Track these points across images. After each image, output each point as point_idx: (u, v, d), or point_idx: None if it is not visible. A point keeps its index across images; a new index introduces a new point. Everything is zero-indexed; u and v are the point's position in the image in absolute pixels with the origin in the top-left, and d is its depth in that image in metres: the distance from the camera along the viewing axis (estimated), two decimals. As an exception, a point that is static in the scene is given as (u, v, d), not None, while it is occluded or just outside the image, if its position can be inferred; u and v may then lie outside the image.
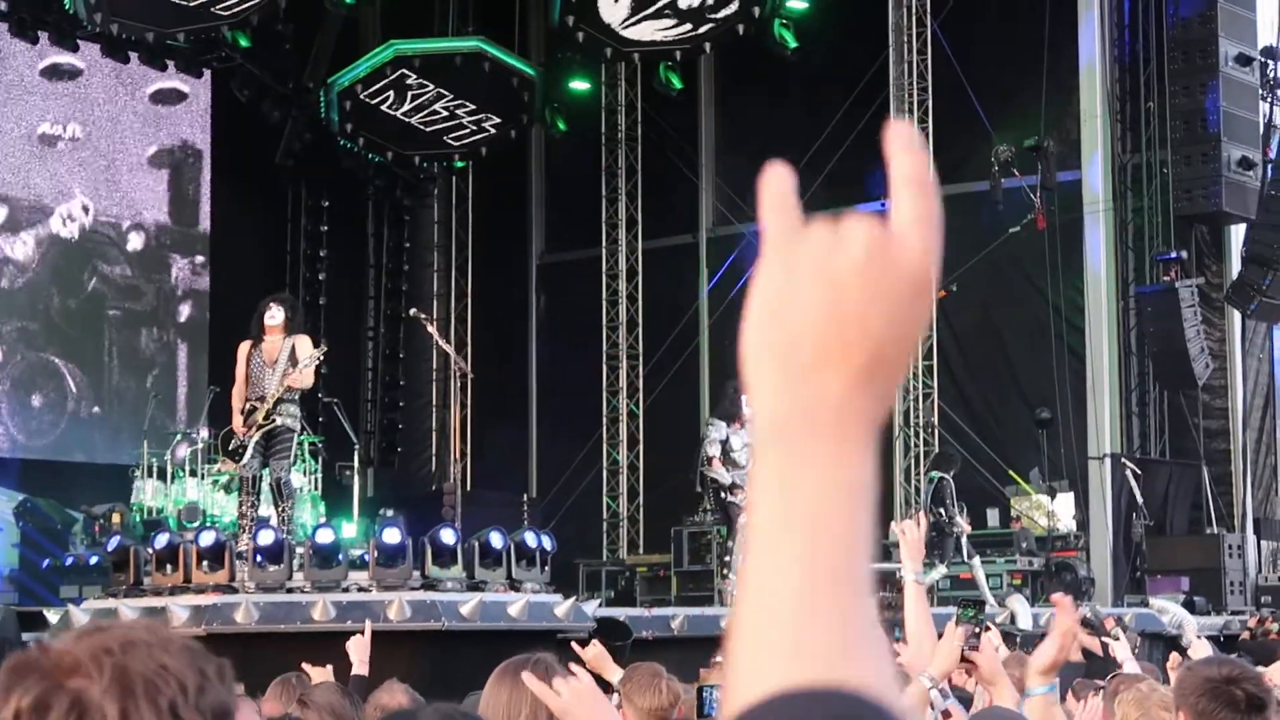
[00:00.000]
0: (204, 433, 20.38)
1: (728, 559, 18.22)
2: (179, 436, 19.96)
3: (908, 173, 1.35)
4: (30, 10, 22.59)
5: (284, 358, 14.66)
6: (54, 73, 24.65)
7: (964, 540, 19.16)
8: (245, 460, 14.76)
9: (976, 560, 19.25)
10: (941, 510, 19.05)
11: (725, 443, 18.00)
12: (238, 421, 14.79)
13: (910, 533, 6.10)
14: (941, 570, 19.12)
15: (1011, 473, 21.71)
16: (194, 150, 26.09)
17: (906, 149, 1.36)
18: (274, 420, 14.72)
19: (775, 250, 1.34)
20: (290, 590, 14.09)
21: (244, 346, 14.92)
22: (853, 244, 1.32)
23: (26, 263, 24.26)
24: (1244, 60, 22.02)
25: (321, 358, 15.17)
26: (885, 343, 1.31)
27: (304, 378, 14.79)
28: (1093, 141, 22.63)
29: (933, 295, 1.34)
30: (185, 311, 25.81)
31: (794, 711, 1.26)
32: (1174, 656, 9.70)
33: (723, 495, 17.97)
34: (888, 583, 16.83)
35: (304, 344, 14.80)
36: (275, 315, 14.83)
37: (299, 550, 14.44)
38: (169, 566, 14.35)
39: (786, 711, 1.26)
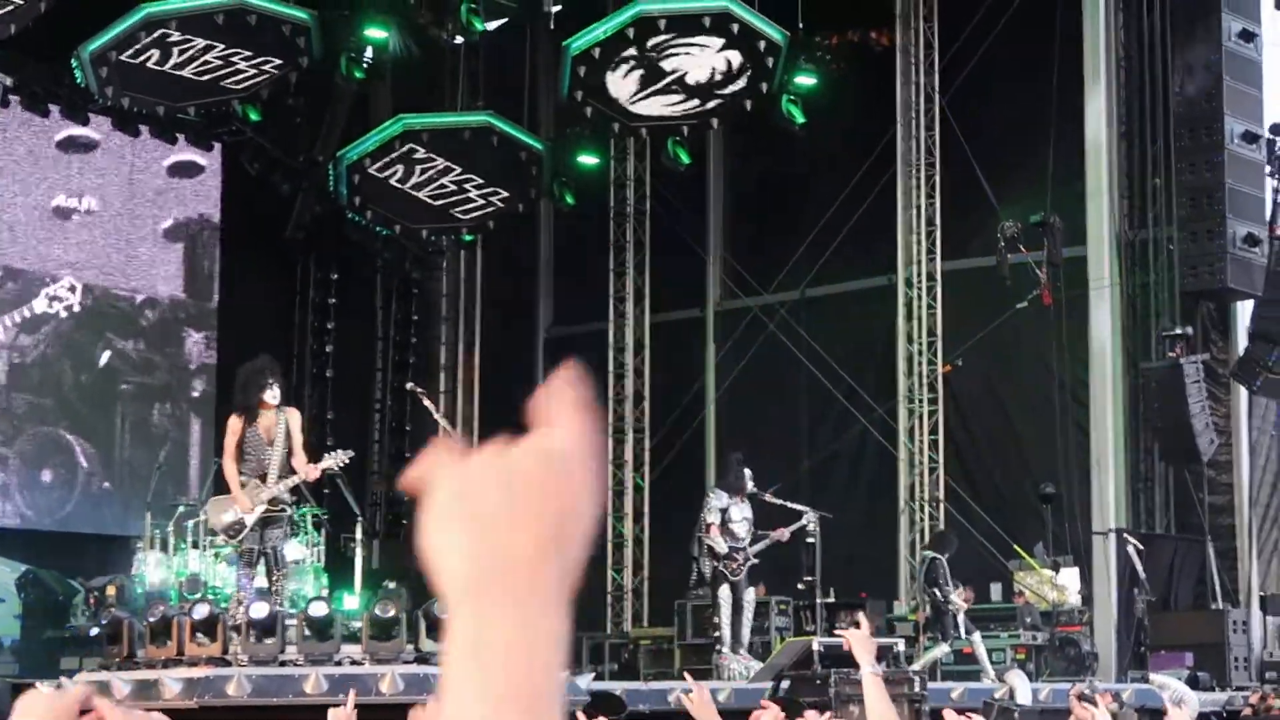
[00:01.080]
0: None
1: (717, 634, 18.20)
2: (182, 509, 19.99)
3: (567, 404, 1.46)
4: (42, 84, 22.79)
5: (281, 435, 14.63)
6: (70, 145, 24.83)
7: (961, 616, 19.13)
8: (244, 535, 14.73)
9: (977, 635, 19.22)
10: (935, 590, 19.06)
11: (725, 512, 18.08)
12: (242, 497, 14.69)
13: (857, 632, 6.34)
14: (945, 648, 19.10)
15: (1016, 547, 21.67)
16: (210, 223, 26.24)
17: (564, 392, 1.47)
18: (281, 509, 14.73)
19: (444, 471, 1.43)
20: (283, 663, 14.09)
21: (235, 421, 14.78)
22: (523, 454, 1.41)
23: (39, 338, 24.37)
24: (1250, 137, 22.08)
25: (346, 463, 15.15)
26: (564, 510, 1.40)
27: (315, 473, 14.88)
28: (1099, 217, 22.67)
29: (589, 471, 1.43)
30: (199, 386, 25.90)
31: None
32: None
33: (716, 564, 18.03)
34: (883, 657, 16.84)
35: (295, 418, 14.82)
36: (275, 393, 14.79)
37: (292, 623, 14.45)
38: (162, 639, 14.36)
39: None
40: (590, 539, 1.42)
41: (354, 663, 14.15)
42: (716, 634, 18.23)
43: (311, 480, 14.96)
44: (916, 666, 17.93)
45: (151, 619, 14.48)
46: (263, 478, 14.62)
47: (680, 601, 20.51)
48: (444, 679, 1.39)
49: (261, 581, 15.07)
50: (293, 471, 14.63)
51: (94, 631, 18.14)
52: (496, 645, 1.37)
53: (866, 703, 6.19)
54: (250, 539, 14.68)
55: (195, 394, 25.87)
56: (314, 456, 15.08)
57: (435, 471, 1.43)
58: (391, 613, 14.32)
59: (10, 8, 20.44)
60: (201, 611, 14.36)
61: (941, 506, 23.20)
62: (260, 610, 14.20)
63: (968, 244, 23.47)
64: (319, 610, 14.40)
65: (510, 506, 1.40)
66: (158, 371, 25.57)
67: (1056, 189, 22.71)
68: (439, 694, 1.40)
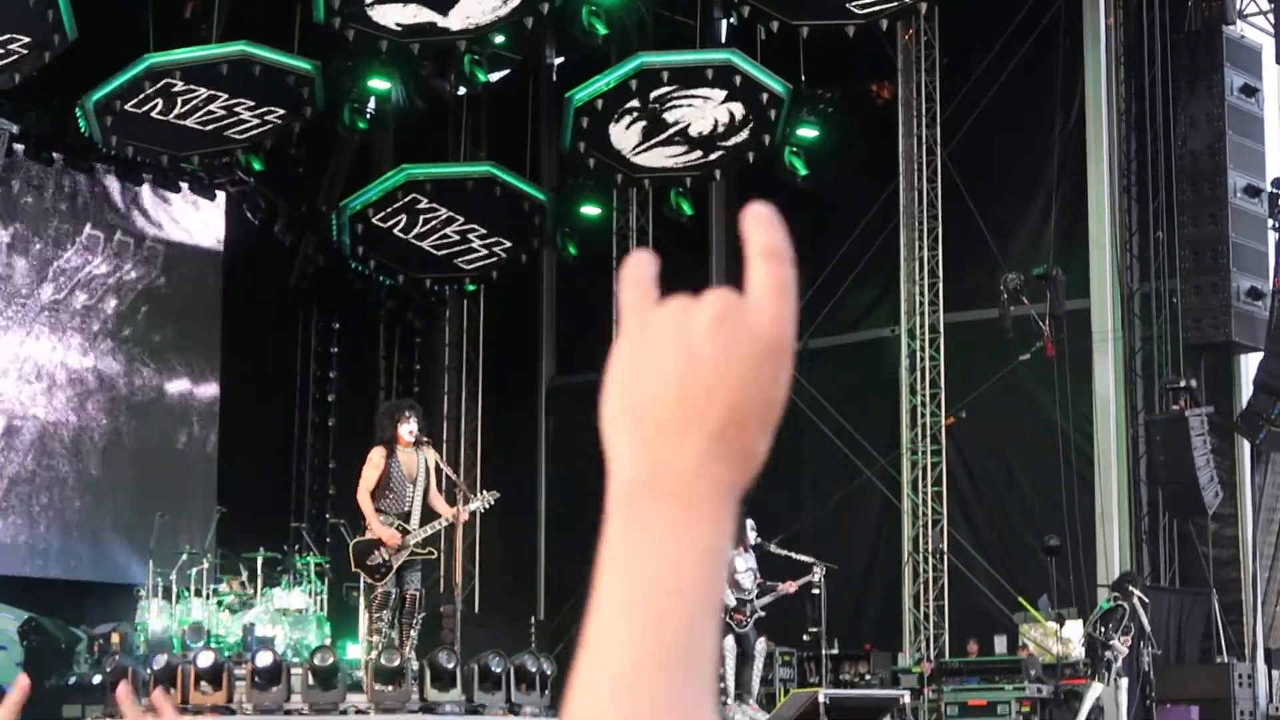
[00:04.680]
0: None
1: (723, 685, 18.11)
2: (185, 557, 19.92)
3: (764, 245, 1.36)
4: (45, 133, 22.82)
5: (422, 472, 14.55)
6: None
7: (1117, 664, 19.04)
8: (387, 578, 14.55)
9: (1123, 684, 19.15)
10: (1104, 629, 18.98)
11: (730, 564, 17.99)
12: (383, 530, 14.47)
13: None
14: (1099, 687, 19.00)
15: (1020, 599, 21.61)
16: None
17: (764, 224, 1.36)
18: (430, 551, 14.63)
19: (632, 323, 1.35)
20: (288, 712, 14.06)
21: (378, 453, 14.67)
22: (704, 311, 1.32)
23: (40, 388, 24.37)
24: (1252, 191, 22.11)
25: (491, 504, 15.04)
26: (741, 406, 1.30)
27: (464, 516, 14.82)
28: (1101, 270, 22.70)
29: (790, 359, 1.32)
30: (201, 433, 25.84)
31: None
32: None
33: (723, 616, 17.92)
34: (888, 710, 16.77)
35: (434, 457, 14.76)
36: (412, 427, 14.69)
37: (297, 672, 14.40)
38: (166, 687, 14.29)
39: None
40: (774, 429, 1.31)
41: (359, 712, 14.10)
42: (722, 685, 18.14)
43: (460, 522, 14.90)
44: (1082, 716, 18.08)
45: (156, 667, 14.43)
46: (404, 516, 14.50)
47: (684, 653, 20.41)
48: (593, 593, 1.29)
49: (263, 630, 14.97)
50: (432, 511, 14.53)
51: (97, 679, 18.06)
52: (651, 561, 1.27)
53: None
54: (389, 581, 14.52)
55: (196, 440, 25.80)
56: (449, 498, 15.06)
57: (628, 317, 1.35)
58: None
59: (15, 57, 20.51)
60: (206, 659, 14.33)
61: (945, 558, 23.15)
62: (265, 659, 14.16)
63: (970, 296, 23.47)
64: (324, 659, 14.35)
65: (682, 396, 1.30)
66: (160, 418, 25.52)
67: (1059, 241, 22.74)
68: (588, 608, 1.30)
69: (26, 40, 20.55)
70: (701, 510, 1.28)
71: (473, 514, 15.63)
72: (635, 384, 1.32)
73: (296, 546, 21.44)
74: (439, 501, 14.70)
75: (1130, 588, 19.43)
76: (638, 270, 1.38)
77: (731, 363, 1.30)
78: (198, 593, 19.60)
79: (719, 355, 1.30)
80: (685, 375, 1.30)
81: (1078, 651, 20.81)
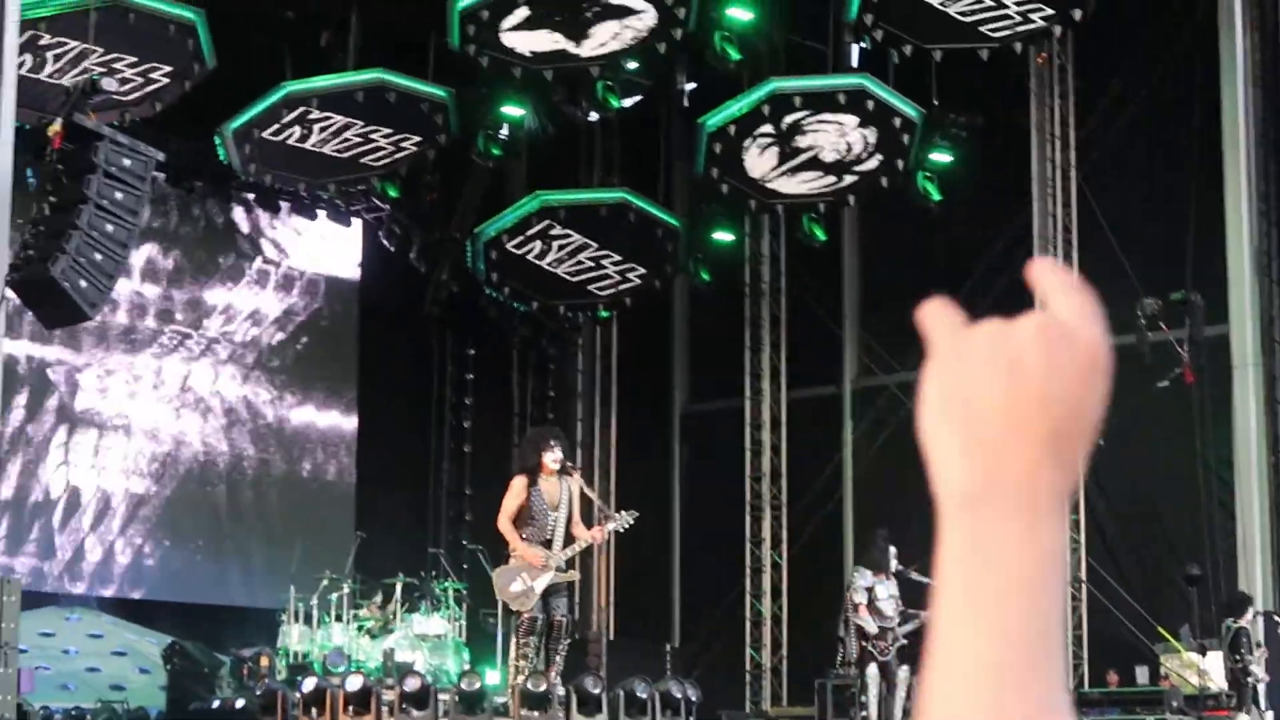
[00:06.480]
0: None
1: (864, 714, 17.99)
2: (326, 582, 20.06)
3: (1063, 282, 1.40)
4: (186, 161, 23.08)
5: (565, 500, 14.63)
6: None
7: (1263, 687, 18.85)
8: (533, 604, 14.61)
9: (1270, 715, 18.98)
10: (1237, 658, 18.78)
11: (871, 590, 17.91)
12: (529, 553, 14.52)
13: None
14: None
15: (1161, 630, 21.33)
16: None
17: (1054, 269, 1.41)
18: (570, 574, 14.72)
19: (945, 345, 1.37)
20: (436, 736, 14.09)
21: (520, 481, 14.75)
22: (1027, 328, 1.35)
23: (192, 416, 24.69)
24: (1396, 215, 21.78)
25: (630, 524, 15.11)
26: (1068, 417, 1.33)
27: (602, 536, 14.92)
28: (1240, 296, 22.41)
29: (1108, 379, 1.35)
30: (340, 458, 26.04)
31: None
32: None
33: (865, 644, 17.83)
34: None
35: (577, 484, 14.83)
36: (557, 455, 14.78)
37: (444, 696, 14.44)
38: (315, 710, 14.38)
39: None
40: (1092, 436, 1.35)
41: (507, 735, 14.13)
42: (864, 714, 18.03)
43: (599, 543, 14.98)
44: None
45: (305, 690, 14.51)
46: (547, 543, 14.57)
47: (820, 681, 20.34)
48: (935, 603, 1.33)
49: (403, 655, 15.01)
50: (572, 538, 14.61)
51: (240, 703, 18.21)
52: (991, 565, 1.30)
53: None
54: (536, 607, 14.57)
55: (336, 467, 25.99)
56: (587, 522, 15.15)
57: (934, 348, 1.37)
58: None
59: (156, 86, 20.80)
60: (355, 683, 14.40)
61: (1084, 587, 22.91)
62: (413, 683, 14.22)
63: (1107, 321, 23.16)
64: (471, 684, 14.39)
65: (1011, 405, 1.33)
66: (300, 445, 25.74)
67: (1197, 266, 22.47)
68: (930, 622, 1.33)
69: (168, 69, 20.84)
70: (1039, 514, 1.32)
71: (611, 534, 15.65)
72: (959, 395, 1.35)
73: (434, 572, 21.55)
74: (580, 528, 14.73)
75: (1247, 608, 19.20)
76: (939, 306, 1.41)
77: (1059, 374, 1.33)
78: (338, 618, 19.75)
79: (1047, 367, 1.33)
80: (1014, 385, 1.33)
81: (1219, 682, 20.52)
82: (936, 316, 1.39)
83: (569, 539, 14.64)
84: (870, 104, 22.34)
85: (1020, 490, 1.32)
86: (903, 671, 18.04)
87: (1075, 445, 1.34)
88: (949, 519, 1.34)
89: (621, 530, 15.39)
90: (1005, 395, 1.33)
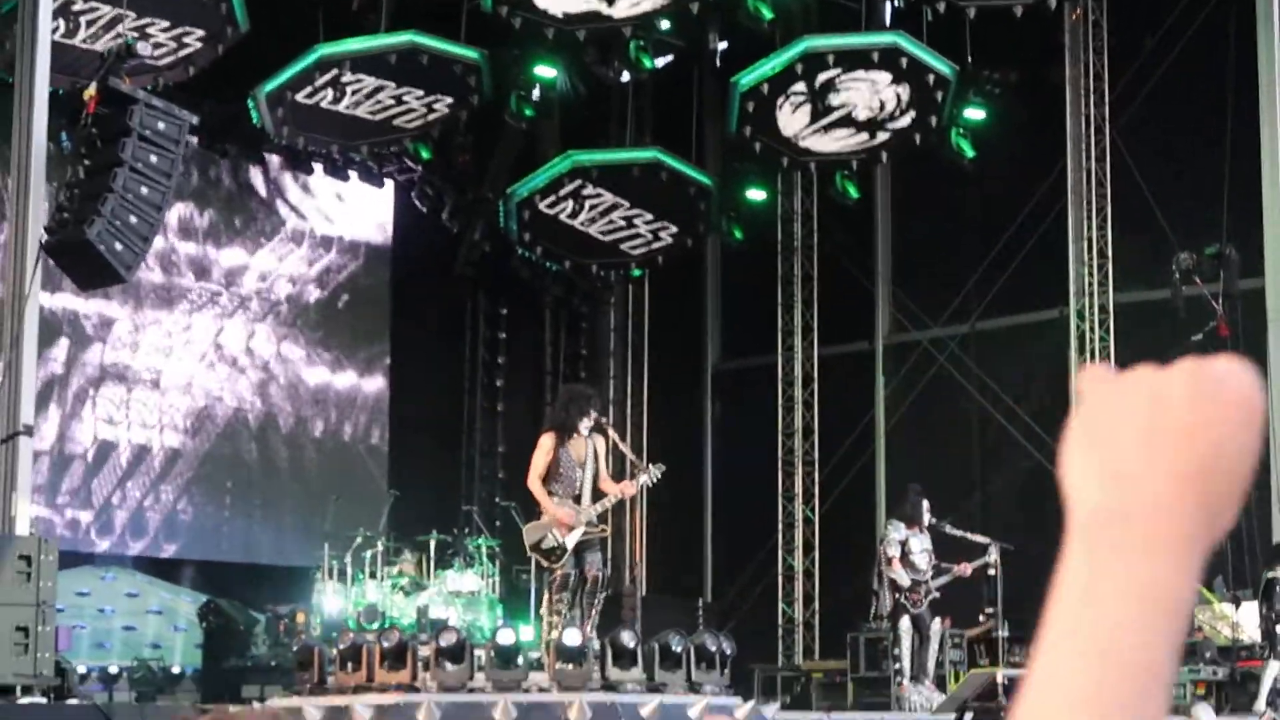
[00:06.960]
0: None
1: (898, 666, 18.06)
2: (360, 540, 20.18)
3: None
4: (219, 124, 23.17)
5: (590, 457, 14.70)
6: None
7: None
8: (564, 559, 14.69)
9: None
10: (1271, 609, 18.78)
11: (904, 544, 17.97)
12: (559, 510, 14.56)
13: None
14: (1276, 665, 18.77)
15: (1195, 582, 21.32)
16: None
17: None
18: (602, 528, 14.80)
19: (1095, 390, 1.36)
20: (471, 690, 14.17)
21: (549, 439, 14.77)
22: (1178, 367, 1.33)
23: (227, 373, 24.80)
24: None
25: (659, 478, 15.18)
26: (1210, 457, 1.30)
27: (632, 489, 15.00)
28: (1276, 249, 22.31)
29: (1258, 438, 1.31)
30: (372, 417, 26.17)
31: None
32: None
33: (898, 597, 17.90)
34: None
35: (602, 442, 14.89)
36: (591, 422, 14.85)
37: (479, 651, 14.53)
38: (351, 665, 14.48)
39: None
40: (1244, 491, 1.31)
41: (541, 690, 14.19)
42: (898, 666, 18.10)
43: (629, 497, 15.05)
44: (1261, 698, 17.85)
45: (341, 646, 14.62)
46: (575, 499, 14.65)
47: (853, 634, 20.43)
48: (1046, 625, 1.30)
49: (436, 611, 15.07)
50: (601, 494, 14.70)
51: (274, 660, 18.36)
52: (1107, 596, 1.28)
53: None
54: (568, 563, 14.66)
55: (369, 425, 26.13)
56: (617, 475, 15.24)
57: (1087, 389, 1.35)
58: (578, 640, 14.35)
59: (189, 50, 20.88)
60: (391, 639, 14.48)
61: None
62: (449, 638, 14.31)
63: (1141, 276, 23.20)
64: (506, 638, 14.47)
65: (1152, 436, 1.30)
66: (333, 404, 25.88)
67: (1233, 219, 22.39)
68: (1039, 639, 1.30)
69: (201, 33, 20.93)
70: (1165, 548, 1.29)
71: (643, 488, 15.72)
72: (1102, 423, 1.33)
73: (467, 530, 21.65)
74: (608, 483, 14.80)
75: None
76: (1097, 368, 1.40)
77: (1203, 412, 1.30)
78: (372, 575, 19.88)
79: (1191, 402, 1.30)
80: (1156, 416, 1.30)
81: (1252, 634, 20.53)
82: (1092, 373, 1.37)
83: (598, 494, 14.72)
84: (904, 61, 22.32)
85: (1150, 523, 1.29)
86: (935, 624, 18.11)
87: (1219, 491, 1.31)
88: (1075, 540, 1.32)
89: (651, 484, 15.44)
90: (1147, 426, 1.30)
